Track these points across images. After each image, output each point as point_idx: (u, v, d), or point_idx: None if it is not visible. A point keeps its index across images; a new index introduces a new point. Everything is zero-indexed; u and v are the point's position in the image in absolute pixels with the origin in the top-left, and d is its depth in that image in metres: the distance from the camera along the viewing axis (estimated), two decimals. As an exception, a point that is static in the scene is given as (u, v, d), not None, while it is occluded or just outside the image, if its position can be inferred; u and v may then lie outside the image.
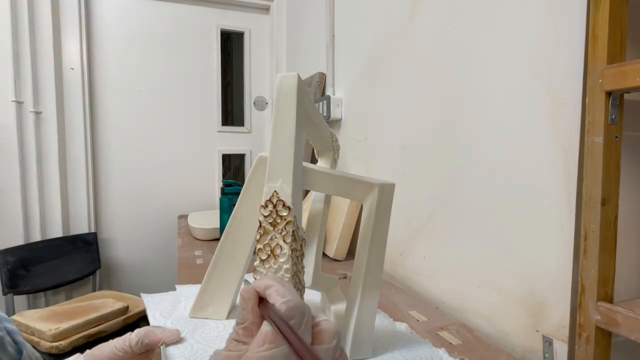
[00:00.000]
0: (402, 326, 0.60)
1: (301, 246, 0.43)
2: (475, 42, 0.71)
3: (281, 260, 0.40)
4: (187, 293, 0.66)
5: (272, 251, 0.41)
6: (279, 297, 0.24)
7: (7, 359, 0.40)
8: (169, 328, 0.49)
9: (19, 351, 0.43)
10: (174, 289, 0.71)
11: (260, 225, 0.41)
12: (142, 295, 0.65)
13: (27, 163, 1.65)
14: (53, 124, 1.69)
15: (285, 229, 0.40)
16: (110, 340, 0.45)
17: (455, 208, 0.76)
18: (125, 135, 1.88)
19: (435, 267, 0.82)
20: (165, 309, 0.59)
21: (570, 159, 0.54)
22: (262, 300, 0.26)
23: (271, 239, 0.41)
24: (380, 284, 0.49)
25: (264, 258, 0.41)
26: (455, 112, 0.76)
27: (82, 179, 1.79)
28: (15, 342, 0.43)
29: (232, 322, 0.55)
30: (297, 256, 0.42)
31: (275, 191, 0.41)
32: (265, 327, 0.24)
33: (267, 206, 0.41)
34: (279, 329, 0.23)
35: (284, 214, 0.40)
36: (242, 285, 0.41)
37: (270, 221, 0.41)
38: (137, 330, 0.45)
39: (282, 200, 0.40)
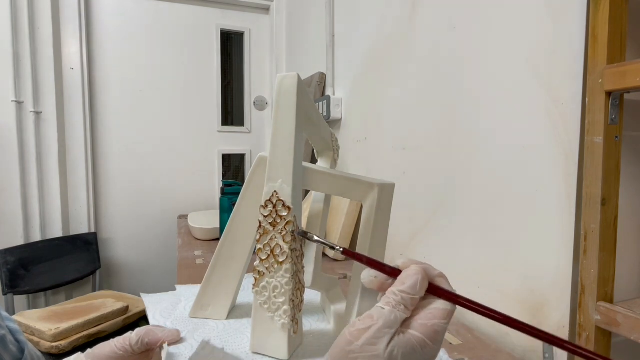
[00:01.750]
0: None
1: (301, 246, 0.43)
2: (475, 42, 0.71)
3: (281, 260, 0.40)
4: (187, 293, 0.66)
5: (272, 251, 0.41)
6: (449, 287, 0.30)
7: (9, 358, 0.40)
8: (169, 328, 0.49)
9: (21, 350, 0.43)
10: (174, 289, 0.71)
11: (260, 225, 0.41)
12: (142, 295, 0.65)
13: (27, 163, 1.65)
14: (53, 124, 1.69)
15: (285, 228, 0.40)
16: (111, 340, 0.45)
17: (455, 208, 0.76)
18: (125, 135, 1.88)
19: (435, 266, 0.82)
20: (165, 309, 0.59)
21: (570, 159, 0.54)
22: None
23: (271, 238, 0.41)
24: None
25: (263, 258, 0.41)
26: (455, 112, 0.76)
27: (82, 179, 1.79)
28: (18, 341, 0.43)
29: (232, 322, 0.55)
30: (297, 256, 0.42)
31: (275, 191, 0.41)
32: (446, 305, 0.28)
33: (267, 206, 0.41)
34: (457, 301, 0.28)
35: (284, 214, 0.40)
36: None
37: (270, 221, 0.41)
38: (137, 330, 0.45)
39: (282, 200, 0.40)
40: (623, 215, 0.47)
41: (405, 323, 0.28)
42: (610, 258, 0.46)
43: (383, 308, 0.28)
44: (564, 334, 0.55)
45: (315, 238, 0.38)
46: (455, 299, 0.29)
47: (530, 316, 0.60)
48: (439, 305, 0.28)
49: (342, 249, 0.34)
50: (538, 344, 0.59)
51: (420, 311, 0.28)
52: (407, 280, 0.29)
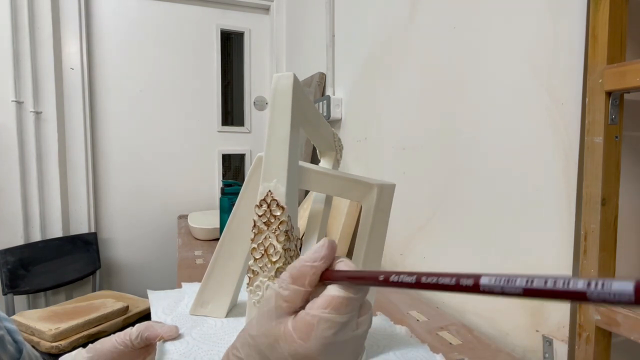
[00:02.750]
0: (402, 329, 0.60)
1: (296, 246, 0.43)
2: (475, 42, 0.71)
3: (274, 259, 0.40)
4: (192, 291, 0.66)
5: (265, 250, 0.40)
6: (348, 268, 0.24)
7: (7, 358, 0.41)
8: (168, 324, 0.49)
9: (19, 350, 0.43)
10: (174, 289, 0.71)
11: (254, 225, 0.41)
12: (149, 291, 0.66)
13: (27, 163, 1.65)
14: (53, 124, 1.69)
15: (279, 228, 0.40)
16: (112, 335, 0.46)
17: (455, 208, 0.76)
18: (125, 135, 1.88)
19: (435, 267, 0.82)
20: (168, 306, 0.60)
21: (570, 159, 0.54)
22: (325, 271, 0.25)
23: (265, 238, 0.41)
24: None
25: (257, 257, 0.41)
26: (455, 112, 0.76)
27: (82, 179, 1.79)
28: (15, 341, 0.43)
29: (231, 320, 0.55)
30: (291, 256, 0.42)
31: (269, 191, 0.41)
32: (335, 291, 0.23)
33: (261, 206, 0.41)
34: (354, 279, 0.23)
35: (278, 213, 0.40)
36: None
37: (264, 221, 0.41)
38: (137, 325, 0.46)
39: (276, 200, 0.40)
40: (623, 215, 0.47)
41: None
42: (610, 258, 0.46)
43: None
44: (564, 334, 0.55)
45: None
46: (344, 277, 0.23)
47: (531, 316, 0.60)
48: (327, 291, 0.23)
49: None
50: (538, 344, 0.59)
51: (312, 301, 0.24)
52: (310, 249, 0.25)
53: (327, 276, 0.24)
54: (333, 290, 0.23)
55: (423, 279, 0.20)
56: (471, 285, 0.18)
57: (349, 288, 0.23)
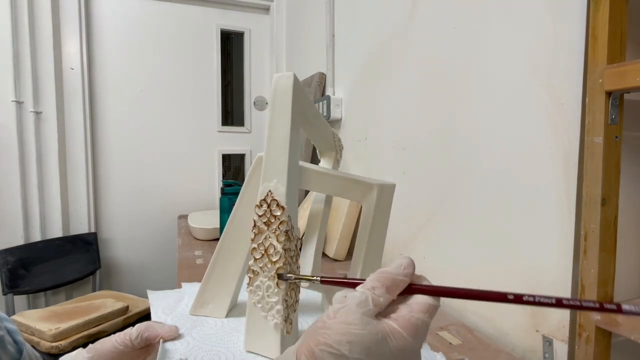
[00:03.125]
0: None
1: (296, 246, 0.43)
2: (475, 42, 0.71)
3: (274, 259, 0.40)
4: (192, 291, 0.66)
5: (265, 250, 0.40)
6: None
7: (7, 359, 0.40)
8: (168, 324, 0.49)
9: (19, 351, 0.43)
10: (174, 289, 0.71)
11: (254, 225, 0.41)
12: (148, 291, 0.66)
13: (27, 163, 1.65)
14: (53, 124, 1.69)
15: (279, 228, 0.40)
16: (112, 335, 0.46)
17: (455, 208, 0.76)
18: (125, 135, 1.88)
19: (435, 267, 0.82)
20: (168, 306, 0.60)
21: (570, 159, 0.54)
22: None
23: (265, 238, 0.41)
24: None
25: (257, 257, 0.41)
26: (455, 112, 0.76)
27: (82, 179, 1.79)
28: (15, 341, 0.43)
29: (231, 320, 0.55)
30: (291, 256, 0.42)
31: (269, 191, 0.41)
32: (430, 300, 0.28)
33: (261, 206, 0.41)
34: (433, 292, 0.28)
35: (278, 213, 0.40)
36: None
37: (264, 221, 0.41)
38: (137, 325, 0.46)
39: (276, 200, 0.40)
40: (623, 215, 0.47)
41: (385, 314, 0.27)
42: (610, 258, 0.46)
43: (356, 291, 0.28)
44: (564, 334, 0.55)
45: (293, 277, 0.39)
46: (435, 291, 0.28)
47: (531, 316, 0.60)
48: (420, 299, 0.28)
49: (319, 279, 0.33)
50: (538, 344, 0.59)
51: (401, 306, 0.28)
52: (392, 264, 0.29)
53: (414, 290, 0.29)
54: (428, 299, 0.28)
55: (564, 302, 0.25)
56: (615, 309, 0.24)
57: (435, 298, 0.28)
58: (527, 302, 0.25)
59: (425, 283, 0.29)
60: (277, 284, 0.40)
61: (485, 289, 0.27)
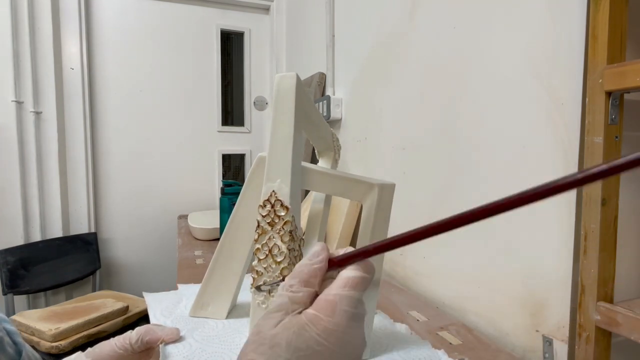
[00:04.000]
0: (402, 327, 0.60)
1: (299, 246, 0.43)
2: (475, 42, 0.71)
3: (279, 259, 0.40)
4: (189, 292, 0.66)
5: (269, 251, 0.40)
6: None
7: None
8: (168, 327, 0.49)
9: (18, 352, 0.43)
10: (175, 289, 0.71)
11: (258, 225, 0.41)
12: (145, 294, 0.65)
13: (27, 163, 1.65)
14: (53, 124, 1.69)
15: (283, 228, 0.40)
16: (111, 339, 0.45)
17: (455, 208, 0.76)
18: (125, 135, 1.88)
19: (435, 267, 0.82)
20: (166, 308, 0.59)
21: (570, 159, 0.54)
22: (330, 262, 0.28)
23: (269, 238, 0.41)
24: (379, 284, 0.49)
25: (261, 257, 0.41)
26: (455, 112, 0.76)
27: (82, 179, 1.79)
28: (15, 342, 0.43)
29: (232, 321, 0.55)
30: (295, 256, 0.42)
31: (273, 191, 0.41)
32: (349, 272, 0.26)
33: (265, 206, 0.41)
34: (364, 253, 0.26)
35: (282, 213, 0.40)
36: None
37: (268, 221, 0.41)
38: (137, 329, 0.46)
39: (280, 200, 0.40)
40: (623, 215, 0.47)
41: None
42: (610, 258, 0.46)
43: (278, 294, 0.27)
44: (564, 334, 0.55)
45: (265, 286, 0.39)
46: (353, 255, 0.26)
47: (531, 316, 0.60)
48: (341, 274, 0.27)
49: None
50: (538, 344, 0.59)
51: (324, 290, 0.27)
52: (306, 256, 0.28)
53: (334, 264, 0.27)
54: (347, 272, 0.26)
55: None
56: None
57: (360, 269, 0.26)
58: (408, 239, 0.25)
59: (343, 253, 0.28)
60: (291, 240, 0.41)
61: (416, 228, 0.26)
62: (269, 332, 0.25)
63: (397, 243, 0.26)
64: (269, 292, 0.41)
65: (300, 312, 0.26)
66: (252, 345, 0.26)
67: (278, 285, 0.38)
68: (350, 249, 0.28)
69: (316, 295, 0.27)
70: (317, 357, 0.24)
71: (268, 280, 0.41)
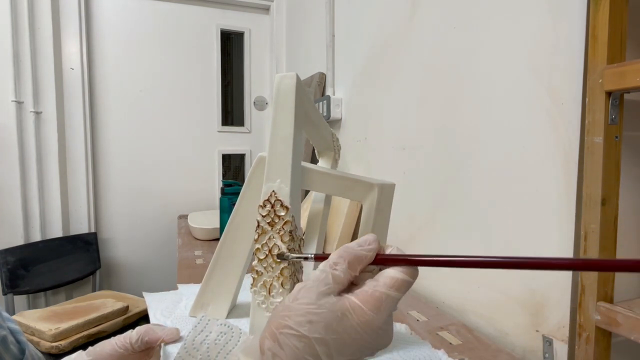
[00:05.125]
0: (402, 327, 0.60)
1: (299, 246, 0.43)
2: (475, 42, 0.71)
3: (278, 259, 0.40)
4: (188, 292, 0.66)
5: (269, 251, 0.40)
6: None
7: (10, 358, 0.41)
8: (168, 327, 0.49)
9: (22, 350, 0.43)
10: (174, 289, 0.71)
11: (258, 225, 0.41)
12: (144, 294, 0.65)
13: (27, 163, 1.65)
14: (53, 124, 1.69)
15: (283, 228, 0.40)
16: (112, 338, 0.45)
17: (455, 208, 0.76)
18: (125, 135, 1.88)
19: (435, 267, 0.82)
20: (166, 308, 0.59)
21: (570, 159, 0.54)
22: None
23: (269, 238, 0.41)
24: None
25: (261, 257, 0.41)
26: (455, 112, 0.76)
27: (82, 179, 1.79)
28: (18, 341, 0.43)
29: (232, 321, 0.55)
30: (296, 256, 0.42)
31: (273, 191, 0.41)
32: (398, 274, 0.27)
33: (265, 206, 0.41)
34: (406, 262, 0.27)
35: (282, 213, 0.40)
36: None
37: (268, 221, 0.41)
38: (137, 328, 0.46)
39: (280, 200, 0.40)
40: (623, 215, 0.47)
41: (351, 290, 0.27)
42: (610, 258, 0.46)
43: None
44: (564, 334, 0.55)
45: (292, 256, 0.38)
46: (401, 260, 0.27)
47: (531, 316, 0.60)
48: (387, 273, 0.27)
49: (312, 255, 0.33)
50: (538, 344, 0.59)
51: (368, 282, 0.27)
52: (356, 240, 0.28)
53: (379, 260, 0.28)
54: (395, 273, 0.27)
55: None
56: None
57: (408, 273, 0.27)
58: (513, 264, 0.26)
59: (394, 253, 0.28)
60: (291, 239, 0.40)
61: (463, 256, 0.28)
62: (308, 306, 0.26)
63: (450, 263, 0.27)
64: (293, 263, 0.41)
65: (339, 294, 0.27)
66: (289, 312, 0.26)
67: (302, 260, 0.37)
68: (396, 249, 0.28)
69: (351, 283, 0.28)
70: (350, 344, 0.25)
71: (268, 279, 0.41)
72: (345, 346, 0.25)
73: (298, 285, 0.27)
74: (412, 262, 0.27)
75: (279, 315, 0.27)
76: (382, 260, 0.28)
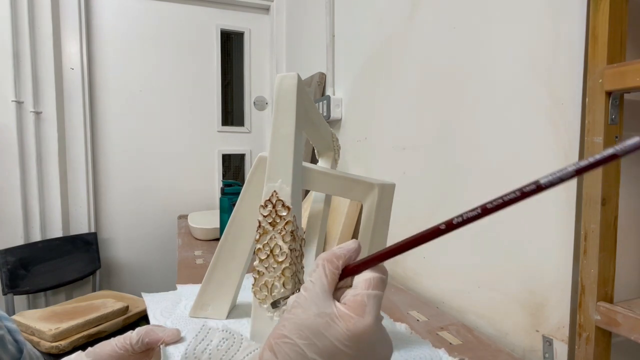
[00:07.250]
0: (402, 327, 0.60)
1: (300, 246, 0.43)
2: (475, 42, 0.71)
3: (280, 259, 0.40)
4: (188, 292, 0.66)
5: (271, 251, 0.40)
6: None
7: (7, 358, 0.41)
8: (169, 327, 0.49)
9: (20, 350, 0.43)
10: (175, 289, 0.71)
11: (259, 225, 0.41)
12: (143, 294, 0.65)
13: (27, 163, 1.65)
14: (53, 124, 1.69)
15: (285, 228, 0.40)
16: (112, 339, 0.45)
17: (455, 208, 0.76)
18: (125, 135, 1.88)
19: (435, 267, 0.82)
20: (166, 309, 0.59)
21: (570, 159, 0.54)
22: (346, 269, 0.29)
23: (270, 238, 0.41)
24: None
25: (263, 258, 0.41)
26: (455, 112, 0.76)
27: (82, 179, 1.79)
28: (16, 340, 0.43)
29: (232, 321, 0.55)
30: (297, 256, 0.42)
31: (274, 191, 0.41)
32: (369, 274, 0.28)
33: (266, 206, 0.41)
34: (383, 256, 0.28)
35: (283, 213, 0.40)
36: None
37: (269, 221, 0.41)
38: (137, 329, 0.46)
39: (282, 200, 0.40)
40: (623, 215, 0.47)
41: (337, 298, 0.28)
42: (610, 258, 0.46)
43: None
44: (564, 334, 0.55)
45: (281, 302, 0.37)
46: (367, 262, 0.28)
47: (531, 316, 0.60)
48: (362, 277, 0.28)
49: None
50: (538, 344, 0.59)
51: (348, 290, 0.28)
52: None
53: (351, 270, 0.29)
54: (367, 274, 0.28)
55: (489, 206, 0.25)
56: (535, 189, 0.23)
57: (377, 270, 0.28)
58: (458, 225, 0.26)
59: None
60: (292, 240, 0.40)
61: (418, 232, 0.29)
62: (300, 314, 0.27)
63: (400, 249, 0.28)
64: (294, 263, 0.41)
65: (331, 300, 0.27)
66: (285, 322, 0.27)
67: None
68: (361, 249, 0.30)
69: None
70: (341, 354, 0.26)
71: (277, 295, 0.41)
72: (337, 354, 0.26)
73: (292, 297, 0.29)
74: (374, 261, 0.28)
75: (277, 327, 0.28)
76: (352, 269, 0.29)
